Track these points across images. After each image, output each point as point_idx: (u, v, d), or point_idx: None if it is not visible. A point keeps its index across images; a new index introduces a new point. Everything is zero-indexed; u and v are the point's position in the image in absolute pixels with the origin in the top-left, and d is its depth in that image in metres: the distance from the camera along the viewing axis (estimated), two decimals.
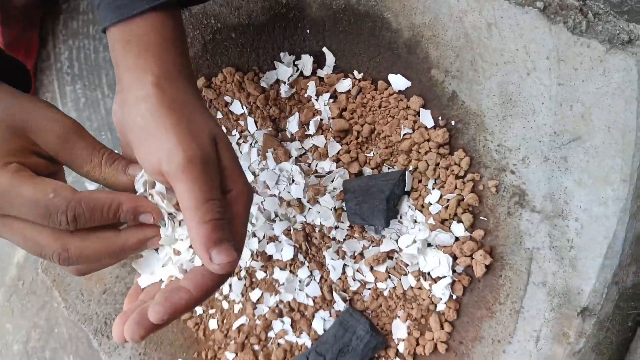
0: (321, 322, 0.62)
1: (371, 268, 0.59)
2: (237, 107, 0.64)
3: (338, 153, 0.59)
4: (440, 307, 0.55)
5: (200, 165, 0.38)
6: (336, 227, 0.60)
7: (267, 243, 0.63)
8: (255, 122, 0.63)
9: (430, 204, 0.55)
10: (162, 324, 0.39)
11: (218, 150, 0.41)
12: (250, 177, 0.62)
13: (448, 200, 0.54)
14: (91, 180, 0.42)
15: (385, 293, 0.59)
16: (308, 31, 0.59)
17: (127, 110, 0.41)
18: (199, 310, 0.69)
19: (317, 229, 0.61)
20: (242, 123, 0.64)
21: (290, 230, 0.62)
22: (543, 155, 0.48)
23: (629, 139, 0.43)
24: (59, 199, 0.36)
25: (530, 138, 0.48)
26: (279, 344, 0.65)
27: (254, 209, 0.62)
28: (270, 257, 0.64)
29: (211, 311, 0.68)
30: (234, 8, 0.61)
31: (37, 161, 0.40)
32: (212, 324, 0.68)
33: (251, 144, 0.63)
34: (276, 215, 0.62)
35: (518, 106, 0.49)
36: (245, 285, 0.66)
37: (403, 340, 0.57)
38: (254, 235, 0.64)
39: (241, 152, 0.64)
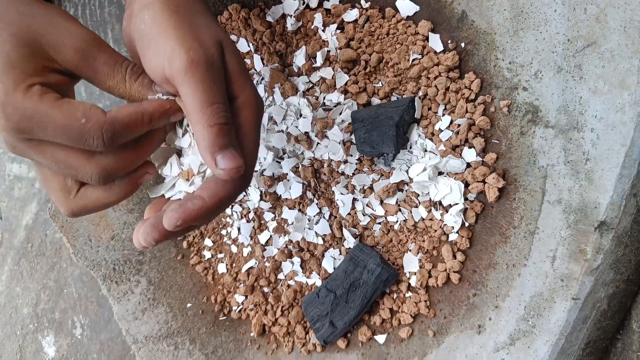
0: (331, 261, 0.61)
1: (381, 202, 0.58)
2: (243, 45, 0.63)
3: (346, 84, 0.58)
4: (453, 236, 0.54)
5: (203, 67, 0.37)
6: (345, 162, 0.59)
7: (276, 182, 0.62)
8: (262, 59, 0.62)
9: (441, 131, 0.54)
10: (176, 231, 0.39)
11: (224, 55, 0.41)
12: None
13: (459, 125, 0.52)
14: (114, 95, 0.41)
15: (396, 227, 0.57)
16: None
17: (133, 20, 0.41)
18: (207, 254, 0.68)
19: (325, 164, 0.60)
20: (248, 61, 0.63)
21: (298, 167, 0.61)
22: (556, 66, 0.46)
23: None
24: (91, 124, 0.36)
25: (542, 50, 0.47)
26: (289, 285, 0.64)
27: (262, 150, 0.61)
28: (279, 196, 0.63)
29: (220, 255, 0.68)
30: None
31: (57, 79, 0.39)
32: (221, 268, 0.67)
33: (257, 81, 0.62)
34: (284, 152, 0.61)
35: (530, 17, 0.47)
36: (254, 227, 0.65)
37: (415, 273, 0.56)
38: (262, 174, 0.63)
39: None
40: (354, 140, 0.57)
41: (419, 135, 0.55)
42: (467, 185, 0.53)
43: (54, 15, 0.39)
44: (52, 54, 0.38)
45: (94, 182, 0.39)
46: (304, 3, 0.60)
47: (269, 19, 0.61)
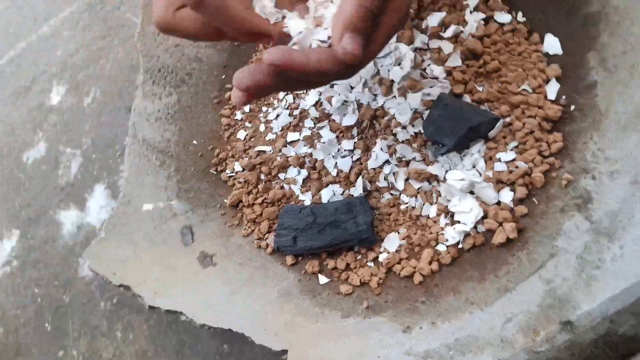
0: (330, 194, 0.62)
1: (407, 179, 0.59)
2: None
3: (454, 68, 0.59)
4: (441, 247, 0.55)
5: None
6: (404, 127, 0.60)
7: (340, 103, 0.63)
8: None
9: (499, 160, 0.54)
10: (267, 81, 0.39)
11: None
12: None
13: (517, 167, 0.53)
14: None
15: (402, 207, 0.59)
16: None
17: None
18: (239, 116, 0.70)
19: (386, 118, 0.61)
20: None
21: (362, 104, 0.62)
22: (635, 177, 0.47)
23: None
24: None
25: (635, 157, 0.47)
26: (282, 187, 0.65)
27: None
28: (330, 115, 0.65)
29: (247, 124, 0.69)
30: None
31: None
32: (241, 134, 0.69)
33: None
34: (363, 83, 0.62)
35: None
36: (290, 123, 0.67)
37: (388, 252, 0.58)
38: (332, 86, 0.64)
39: None
40: (425, 116, 0.58)
41: (479, 151, 0.56)
42: (485, 216, 0.54)
43: None
44: None
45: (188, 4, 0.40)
46: None
47: None
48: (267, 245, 0.62)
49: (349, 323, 0.55)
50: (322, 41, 0.42)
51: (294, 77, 0.40)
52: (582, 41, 0.53)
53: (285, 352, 0.53)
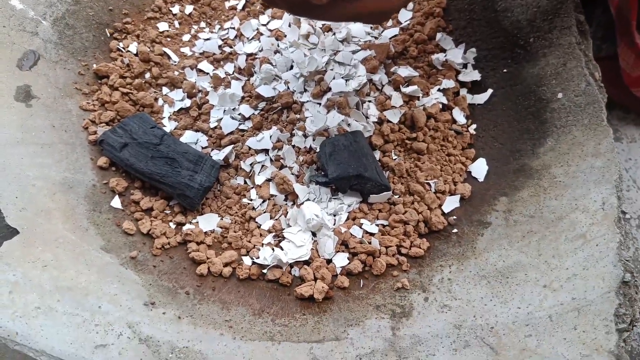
0: (193, 139, 0.55)
1: (269, 180, 0.52)
2: None
3: (388, 122, 0.54)
4: (246, 260, 0.48)
5: None
6: (305, 136, 0.54)
7: None
8: None
9: (360, 226, 0.49)
10: None
11: None
12: None
13: (370, 243, 0.48)
14: None
15: (244, 200, 0.52)
16: None
17: None
18: (175, 8, 0.62)
19: (298, 115, 0.55)
20: None
21: (288, 89, 0.56)
22: (460, 322, 0.42)
23: None
24: None
25: (472, 307, 0.43)
26: (157, 99, 0.57)
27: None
28: (253, 74, 0.58)
29: (176, 23, 0.61)
30: None
31: None
32: (162, 26, 0.61)
33: None
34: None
35: None
36: (213, 54, 0.59)
37: (196, 227, 0.50)
38: (275, 52, 0.57)
39: None
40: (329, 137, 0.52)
41: (349, 205, 0.51)
42: (308, 262, 0.48)
43: None
44: None
45: None
46: None
47: None
48: (95, 132, 0.52)
49: (103, 257, 0.45)
50: None
51: None
52: (505, 183, 0.50)
53: (11, 232, 0.42)
